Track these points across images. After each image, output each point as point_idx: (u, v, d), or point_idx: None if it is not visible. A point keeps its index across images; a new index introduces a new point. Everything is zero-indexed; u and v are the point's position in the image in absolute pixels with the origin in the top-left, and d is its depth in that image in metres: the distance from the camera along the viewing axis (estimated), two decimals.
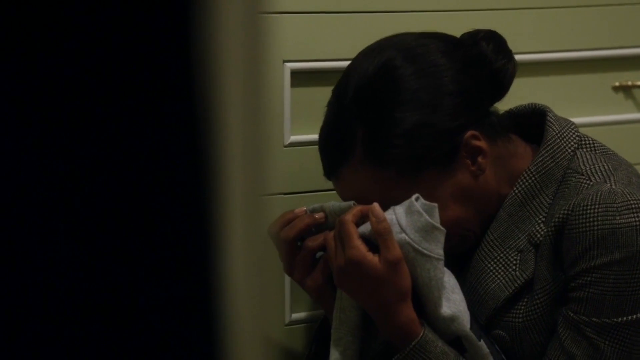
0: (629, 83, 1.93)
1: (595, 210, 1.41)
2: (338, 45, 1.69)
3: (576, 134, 1.53)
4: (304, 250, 1.49)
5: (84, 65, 0.56)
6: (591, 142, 1.53)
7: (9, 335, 0.58)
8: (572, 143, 1.51)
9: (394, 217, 1.40)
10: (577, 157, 1.50)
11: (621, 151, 1.58)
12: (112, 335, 0.59)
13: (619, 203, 1.42)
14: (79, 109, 0.57)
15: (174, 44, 0.57)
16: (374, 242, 1.40)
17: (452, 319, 1.42)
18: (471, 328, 1.43)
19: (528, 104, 1.59)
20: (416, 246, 1.39)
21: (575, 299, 1.44)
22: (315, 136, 1.61)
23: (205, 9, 0.57)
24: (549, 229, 1.46)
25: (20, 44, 0.56)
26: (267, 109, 0.60)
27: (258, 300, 0.62)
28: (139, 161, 0.58)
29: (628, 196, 1.42)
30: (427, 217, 1.39)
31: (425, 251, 1.39)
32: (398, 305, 1.41)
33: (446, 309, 1.42)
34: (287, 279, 1.68)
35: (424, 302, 1.43)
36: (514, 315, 1.49)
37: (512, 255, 1.50)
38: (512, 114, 1.59)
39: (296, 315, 1.72)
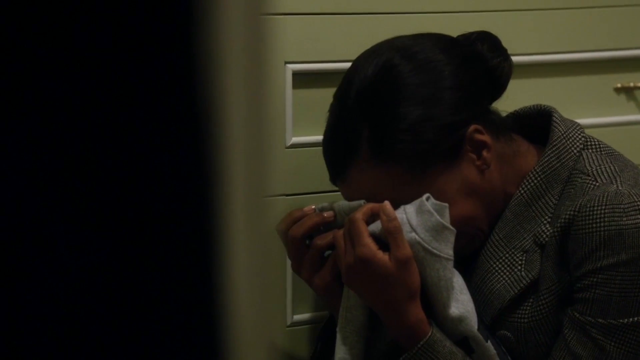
0: (631, 84, 1.93)
1: (602, 211, 1.42)
2: (340, 46, 1.69)
3: (582, 134, 1.53)
4: (313, 249, 1.50)
5: (86, 69, 0.56)
6: (597, 143, 1.54)
7: (10, 335, 0.58)
8: (577, 144, 1.52)
9: (404, 216, 1.40)
10: (583, 158, 1.51)
11: (623, 152, 1.58)
12: (115, 339, 0.59)
13: (625, 204, 1.42)
14: (81, 112, 0.57)
15: (176, 46, 0.57)
16: (383, 241, 1.41)
17: (460, 319, 1.42)
18: (478, 329, 1.43)
19: (533, 105, 1.60)
20: (426, 246, 1.40)
21: (581, 299, 1.44)
22: (317, 137, 1.61)
23: (207, 11, 0.57)
24: (555, 230, 1.46)
25: (23, 46, 0.56)
26: (269, 110, 0.60)
27: (260, 301, 0.62)
28: (142, 163, 0.58)
29: (635, 197, 1.43)
30: (438, 216, 1.39)
31: (435, 251, 1.40)
32: (407, 304, 1.41)
33: (454, 310, 1.42)
34: (289, 280, 1.68)
35: (432, 302, 1.43)
36: (519, 315, 1.49)
37: (518, 255, 1.50)
38: (517, 115, 1.60)
39: (298, 317, 1.72)
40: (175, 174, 0.58)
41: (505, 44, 1.57)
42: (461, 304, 1.43)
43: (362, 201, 1.45)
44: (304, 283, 1.60)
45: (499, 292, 1.50)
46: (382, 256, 1.40)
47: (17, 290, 0.58)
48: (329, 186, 1.56)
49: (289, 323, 1.72)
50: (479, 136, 1.47)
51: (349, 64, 1.54)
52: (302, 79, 1.68)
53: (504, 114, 1.59)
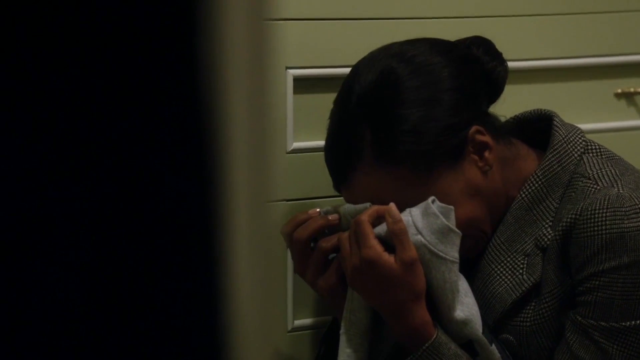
0: (631, 90, 1.93)
1: (604, 214, 1.42)
2: (340, 52, 1.69)
3: (582, 138, 1.54)
4: (318, 251, 1.50)
5: (90, 78, 0.57)
6: (597, 147, 1.54)
7: (13, 335, 0.58)
8: (578, 148, 1.52)
9: (410, 218, 1.41)
10: (584, 162, 1.51)
11: (623, 158, 1.58)
12: (118, 344, 0.59)
13: (627, 207, 1.42)
14: (88, 124, 0.57)
15: (179, 51, 0.57)
16: (389, 243, 1.41)
17: (465, 322, 1.43)
18: (482, 332, 1.44)
19: (534, 110, 1.60)
20: (432, 248, 1.40)
21: (583, 302, 1.44)
22: (317, 142, 1.61)
23: (209, 17, 0.57)
24: (557, 233, 1.46)
25: (27, 51, 0.56)
26: (272, 115, 0.60)
27: (262, 307, 0.62)
28: (145, 168, 0.58)
29: (636, 200, 1.43)
30: (444, 219, 1.39)
31: (441, 253, 1.40)
32: (412, 306, 1.41)
33: (460, 313, 1.42)
34: (290, 285, 1.68)
35: (437, 304, 1.43)
36: (521, 319, 1.50)
37: (519, 259, 1.50)
38: (517, 119, 1.61)
39: (299, 322, 1.72)
40: (177, 179, 0.58)
41: (505, 49, 1.57)
42: (466, 307, 1.43)
43: (367, 204, 1.46)
44: (305, 288, 1.60)
45: (501, 296, 1.50)
46: (388, 258, 1.40)
47: (20, 290, 0.58)
48: (330, 191, 1.56)
49: (289, 328, 1.72)
50: (480, 137, 1.48)
51: (349, 69, 1.55)
52: (303, 84, 1.68)
53: (503, 119, 1.59)
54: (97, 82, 0.57)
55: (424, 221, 1.40)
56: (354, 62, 1.55)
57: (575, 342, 1.45)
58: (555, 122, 1.55)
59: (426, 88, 1.46)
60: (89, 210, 0.58)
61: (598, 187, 1.47)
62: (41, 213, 0.57)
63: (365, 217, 1.42)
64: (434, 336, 1.41)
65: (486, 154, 1.49)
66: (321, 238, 1.51)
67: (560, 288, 1.47)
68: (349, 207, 1.49)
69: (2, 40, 0.55)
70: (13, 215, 0.57)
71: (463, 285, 1.45)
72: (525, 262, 1.50)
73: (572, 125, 1.56)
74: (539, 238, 1.49)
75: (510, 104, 1.57)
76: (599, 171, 1.49)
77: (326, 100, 1.58)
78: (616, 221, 1.42)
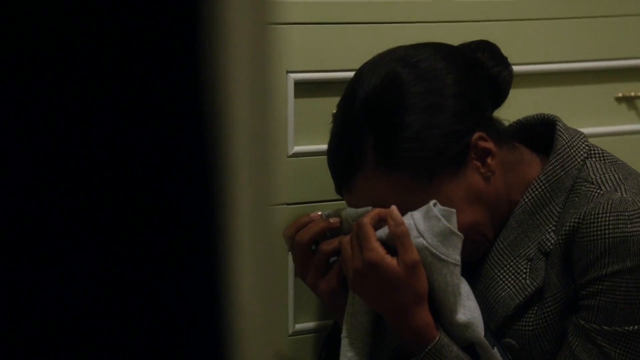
0: (632, 94, 1.93)
1: (607, 219, 1.42)
2: (341, 56, 1.69)
3: (585, 143, 1.54)
4: (319, 254, 1.50)
5: (96, 81, 0.57)
6: (600, 151, 1.54)
7: (15, 335, 0.58)
8: (581, 152, 1.52)
9: (411, 221, 1.41)
10: (587, 167, 1.51)
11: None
12: (121, 345, 0.59)
13: (630, 211, 1.42)
14: (88, 121, 0.57)
15: (182, 55, 0.58)
16: (391, 246, 1.41)
17: (467, 325, 1.43)
18: (484, 335, 1.44)
19: (537, 114, 1.60)
20: (434, 251, 1.40)
21: (586, 307, 1.44)
22: (318, 146, 1.61)
23: (211, 21, 0.57)
24: (560, 238, 1.46)
25: (29, 51, 0.56)
26: (273, 119, 0.60)
27: (263, 310, 0.62)
28: (148, 172, 0.58)
29: (639, 205, 1.43)
30: (445, 222, 1.40)
31: (443, 256, 1.40)
32: (414, 308, 1.41)
33: (462, 316, 1.42)
34: (290, 289, 1.68)
35: (439, 307, 1.43)
36: (523, 323, 1.50)
37: (522, 263, 1.50)
38: (520, 124, 1.60)
39: (300, 326, 1.72)
40: (179, 183, 0.59)
41: (506, 53, 1.57)
42: (468, 310, 1.43)
43: (369, 207, 1.46)
44: (306, 292, 1.60)
45: (504, 300, 1.50)
46: (391, 260, 1.40)
47: (21, 290, 0.58)
48: (331, 195, 1.56)
49: (290, 332, 1.72)
50: (483, 143, 1.48)
51: (350, 74, 1.55)
52: (304, 88, 1.68)
53: (506, 123, 1.59)
54: (102, 88, 0.57)
55: (426, 224, 1.40)
56: (354, 66, 1.55)
57: (577, 346, 1.45)
58: (558, 127, 1.55)
59: (430, 94, 1.46)
60: (93, 212, 0.58)
61: (601, 192, 1.47)
62: (45, 214, 0.57)
63: (367, 220, 1.42)
64: (437, 338, 1.41)
65: (489, 160, 1.49)
66: (322, 241, 1.51)
67: (562, 292, 1.47)
68: (350, 211, 1.49)
69: (4, 40, 0.56)
70: (16, 214, 0.57)
71: (465, 288, 1.45)
72: (528, 266, 1.50)
73: (575, 130, 1.56)
74: (542, 242, 1.49)
75: (511, 108, 1.57)
76: (602, 176, 1.49)
77: (327, 105, 1.58)
78: (619, 225, 1.42)
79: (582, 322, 1.45)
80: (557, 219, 1.49)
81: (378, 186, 1.46)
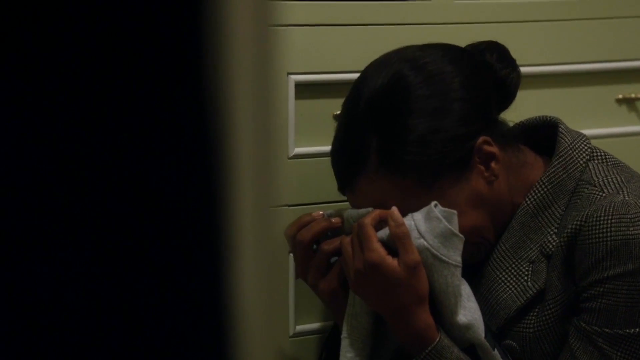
0: (633, 95, 1.93)
1: (609, 221, 1.42)
2: (342, 57, 1.69)
3: (588, 146, 1.54)
4: (320, 254, 1.50)
5: (98, 84, 0.57)
6: (603, 154, 1.54)
7: (16, 334, 0.58)
8: (584, 155, 1.52)
9: (412, 222, 1.41)
10: (589, 169, 1.51)
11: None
12: (123, 347, 0.59)
13: (632, 214, 1.42)
14: (91, 122, 0.57)
15: (184, 57, 0.58)
16: (391, 247, 1.41)
17: (468, 327, 1.43)
18: (485, 337, 1.44)
19: (539, 116, 1.60)
20: (435, 252, 1.40)
21: (587, 309, 1.44)
22: (319, 148, 1.61)
23: (213, 22, 0.58)
24: (561, 240, 1.46)
25: (31, 52, 0.56)
26: (275, 120, 0.60)
27: (264, 311, 0.62)
28: (149, 174, 0.58)
29: None
30: (446, 223, 1.40)
31: (444, 257, 1.40)
32: (415, 309, 1.41)
33: (462, 317, 1.42)
34: (292, 291, 1.68)
35: (440, 308, 1.43)
36: (525, 325, 1.50)
37: (524, 265, 1.50)
38: (522, 126, 1.60)
39: (301, 327, 1.72)
40: (181, 184, 0.59)
41: None
42: (469, 311, 1.43)
43: (370, 208, 1.46)
44: (307, 294, 1.60)
45: (506, 302, 1.50)
46: (392, 261, 1.40)
47: (23, 291, 0.58)
48: (332, 196, 1.57)
49: (291, 333, 1.72)
50: (487, 148, 1.48)
51: (351, 75, 1.55)
52: (305, 90, 1.68)
53: (510, 124, 1.59)
54: (105, 91, 0.57)
55: (427, 225, 1.40)
56: (355, 68, 1.55)
57: (578, 349, 1.45)
58: (560, 129, 1.55)
59: (436, 98, 1.46)
60: (95, 213, 0.58)
61: (603, 194, 1.47)
62: (48, 214, 0.57)
63: (368, 221, 1.42)
64: (437, 339, 1.41)
65: (492, 164, 1.48)
66: (324, 240, 1.51)
67: (564, 295, 1.47)
68: (352, 211, 1.49)
69: (6, 40, 0.56)
70: (19, 215, 0.57)
71: (466, 289, 1.45)
72: (530, 269, 1.50)
73: (577, 132, 1.56)
74: (543, 245, 1.49)
75: (513, 109, 1.57)
76: (604, 178, 1.49)
77: (328, 106, 1.58)
78: (621, 228, 1.42)
79: (584, 325, 1.44)
80: (559, 222, 1.49)
81: (380, 188, 1.46)
